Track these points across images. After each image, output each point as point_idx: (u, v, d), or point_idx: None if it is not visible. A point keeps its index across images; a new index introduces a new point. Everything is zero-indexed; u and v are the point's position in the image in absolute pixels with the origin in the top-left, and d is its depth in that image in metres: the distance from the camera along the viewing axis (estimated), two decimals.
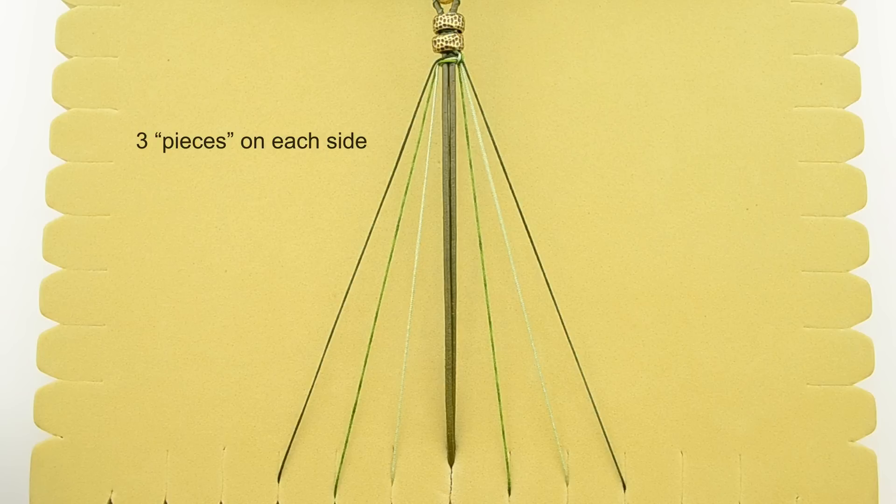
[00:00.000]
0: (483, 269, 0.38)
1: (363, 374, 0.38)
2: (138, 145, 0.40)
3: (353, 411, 0.38)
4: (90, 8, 0.40)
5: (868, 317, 0.39)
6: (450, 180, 0.37)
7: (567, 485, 0.38)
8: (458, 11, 0.38)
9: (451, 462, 0.38)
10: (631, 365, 0.39)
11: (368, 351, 0.39)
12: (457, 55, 0.37)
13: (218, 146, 0.40)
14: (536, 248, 0.39)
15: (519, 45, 0.40)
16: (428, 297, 0.39)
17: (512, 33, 0.40)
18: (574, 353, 0.39)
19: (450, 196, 0.37)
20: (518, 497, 0.38)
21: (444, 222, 0.37)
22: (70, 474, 0.38)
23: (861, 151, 0.40)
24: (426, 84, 0.38)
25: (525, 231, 0.39)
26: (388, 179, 0.39)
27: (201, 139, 0.40)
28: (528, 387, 0.39)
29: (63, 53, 0.40)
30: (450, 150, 0.37)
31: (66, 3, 0.40)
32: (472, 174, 0.38)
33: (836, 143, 0.40)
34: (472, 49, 0.40)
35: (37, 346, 0.39)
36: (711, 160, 0.40)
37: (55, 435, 0.39)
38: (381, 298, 0.39)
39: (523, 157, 0.40)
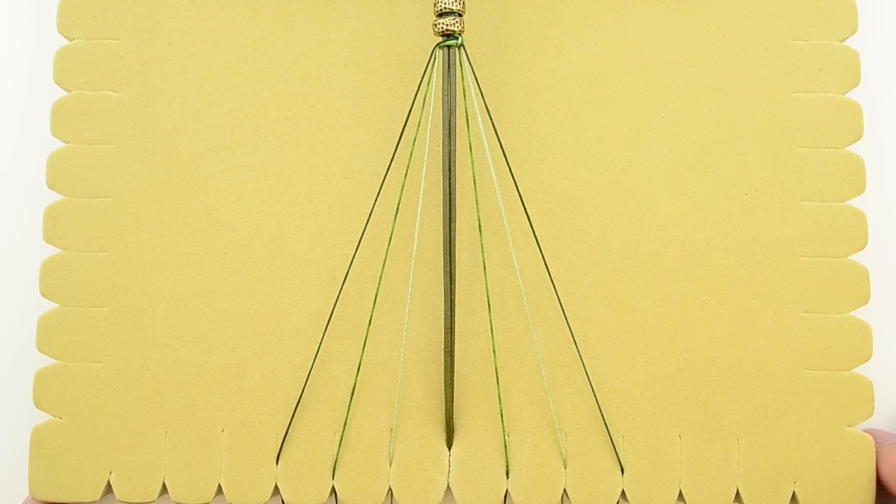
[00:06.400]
0: (482, 252, 0.38)
1: (362, 356, 0.39)
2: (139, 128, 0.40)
3: (352, 394, 0.38)
4: None
5: (866, 302, 0.39)
6: (449, 163, 0.37)
7: (565, 468, 0.38)
8: None
9: (449, 445, 0.39)
10: (630, 349, 0.39)
11: (367, 334, 0.39)
12: (457, 38, 0.37)
13: (218, 129, 0.40)
14: (536, 232, 0.39)
15: (519, 28, 0.40)
16: (427, 281, 0.39)
17: (512, 17, 0.40)
18: (573, 336, 0.39)
19: (449, 179, 0.37)
20: (516, 480, 0.38)
21: (443, 205, 0.37)
22: (69, 455, 0.38)
23: (860, 138, 0.40)
24: (426, 67, 0.38)
25: (524, 215, 0.39)
26: (388, 162, 0.39)
27: (202, 122, 0.40)
28: (526, 370, 0.39)
29: (64, 36, 0.40)
30: (450, 133, 0.37)
31: None
32: (471, 157, 0.38)
33: (835, 129, 0.40)
34: (472, 32, 0.40)
35: (36, 327, 0.39)
36: (711, 145, 0.40)
37: (54, 416, 0.39)
38: (380, 281, 0.39)
39: (523, 141, 0.40)
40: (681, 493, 0.38)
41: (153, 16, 0.40)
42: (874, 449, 0.38)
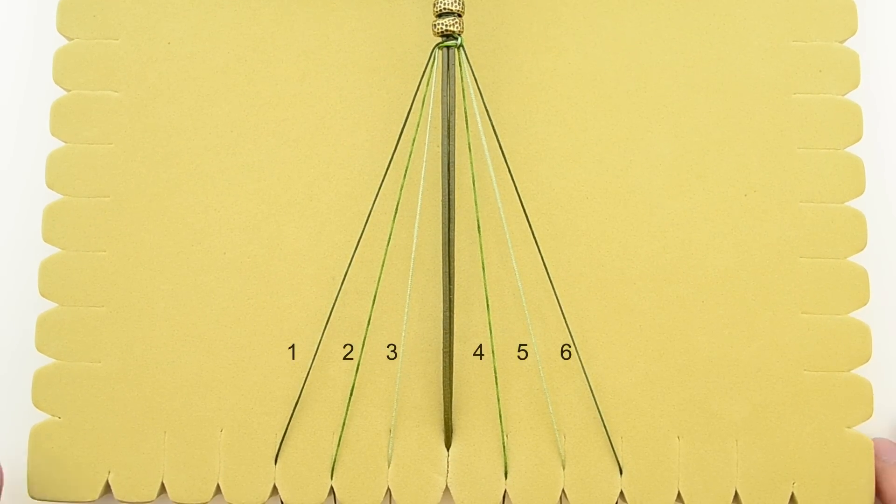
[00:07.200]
0: (481, 252, 0.38)
1: (360, 357, 0.39)
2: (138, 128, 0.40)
3: (351, 394, 0.38)
4: None
5: (866, 303, 0.39)
6: (449, 164, 0.37)
7: (564, 468, 0.38)
8: None
9: (448, 445, 0.39)
10: (628, 350, 0.39)
11: (366, 334, 0.39)
12: (456, 39, 0.37)
13: (217, 129, 0.40)
14: (535, 233, 0.39)
15: (519, 29, 0.40)
16: (426, 281, 0.39)
17: (512, 17, 0.40)
18: (572, 337, 0.39)
19: (448, 180, 0.37)
20: (515, 480, 0.38)
21: (442, 206, 0.37)
22: (68, 455, 0.38)
23: (860, 139, 0.40)
24: (426, 67, 0.38)
25: (524, 215, 0.39)
26: (388, 163, 0.39)
27: (201, 122, 0.40)
28: (525, 371, 0.39)
29: (64, 36, 0.40)
30: (449, 133, 0.37)
31: None
32: (471, 158, 0.38)
33: (834, 130, 0.40)
34: (471, 33, 0.40)
35: (35, 327, 0.39)
36: (710, 146, 0.40)
37: (53, 416, 0.39)
38: (378, 282, 0.39)
39: (522, 142, 0.40)
40: (679, 494, 0.38)
41: (153, 16, 0.40)
42: (873, 450, 0.38)
